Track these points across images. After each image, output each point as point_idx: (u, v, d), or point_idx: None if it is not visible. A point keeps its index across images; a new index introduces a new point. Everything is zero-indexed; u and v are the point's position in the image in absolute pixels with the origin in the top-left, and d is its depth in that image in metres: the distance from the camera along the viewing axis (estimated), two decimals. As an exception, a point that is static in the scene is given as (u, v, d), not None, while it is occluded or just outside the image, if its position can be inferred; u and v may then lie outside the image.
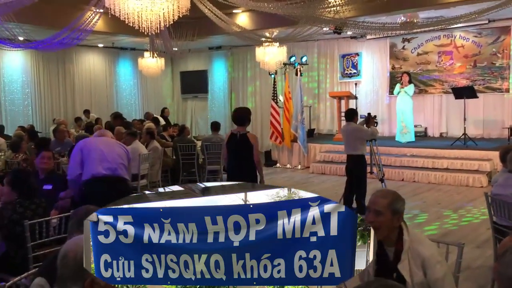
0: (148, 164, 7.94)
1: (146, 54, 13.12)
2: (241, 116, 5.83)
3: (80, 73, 14.96)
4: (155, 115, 12.89)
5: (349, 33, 13.36)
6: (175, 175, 9.38)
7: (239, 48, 15.77)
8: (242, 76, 16.38)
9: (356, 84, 13.65)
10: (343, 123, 11.84)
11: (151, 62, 13.09)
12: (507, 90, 11.55)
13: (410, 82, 11.44)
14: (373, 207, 2.52)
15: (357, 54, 13.96)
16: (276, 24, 10.82)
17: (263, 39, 10.68)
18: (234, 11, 10.99)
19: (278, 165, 12.63)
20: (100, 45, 15.00)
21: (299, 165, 12.24)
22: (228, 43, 15.35)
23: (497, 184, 4.24)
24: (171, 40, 6.88)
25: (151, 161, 8.15)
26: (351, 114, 7.58)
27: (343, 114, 12.17)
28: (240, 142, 5.69)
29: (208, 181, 9.62)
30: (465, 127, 10.52)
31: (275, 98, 12.72)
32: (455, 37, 12.26)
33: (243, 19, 11.56)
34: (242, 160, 5.69)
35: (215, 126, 9.51)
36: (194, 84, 17.20)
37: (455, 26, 11.82)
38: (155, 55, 11.72)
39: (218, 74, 16.81)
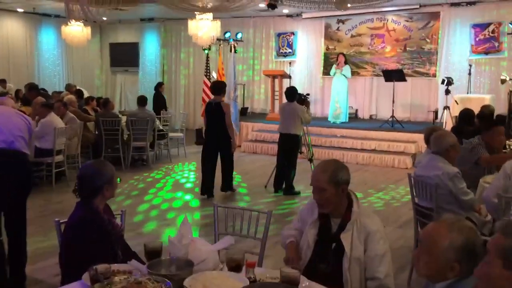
0: (65, 138, 7.36)
1: (71, 21, 12.25)
2: (217, 87, 7.03)
3: (-4, 40, 13.76)
4: (78, 87, 12.12)
5: (285, 11, 13.20)
6: (98, 151, 8.82)
7: (173, 21, 15.15)
8: (175, 50, 15.79)
9: (290, 63, 13.52)
10: (277, 102, 11.85)
11: (75, 31, 12.25)
12: (434, 75, 11.87)
13: (346, 63, 11.47)
14: (315, 184, 2.41)
15: (293, 33, 13.81)
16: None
17: (195, 9, 10.21)
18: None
19: (209, 143, 12.29)
20: (20, 10, 13.82)
21: (231, 144, 11.98)
22: (161, 15, 14.69)
23: (420, 165, 4.20)
24: (89, 5, 6.31)
25: (70, 134, 7.59)
26: (293, 94, 7.39)
27: (276, 93, 12.11)
28: (215, 110, 6.76)
29: (133, 158, 9.16)
30: (393, 110, 10.70)
31: (208, 74, 12.34)
32: (387, 21, 12.41)
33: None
34: (216, 124, 6.79)
35: (142, 101, 9.02)
36: (125, 57, 16.39)
37: (388, 9, 11.98)
38: (72, 22, 10.93)
39: (150, 47, 16.10)
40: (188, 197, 7.20)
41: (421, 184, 4.00)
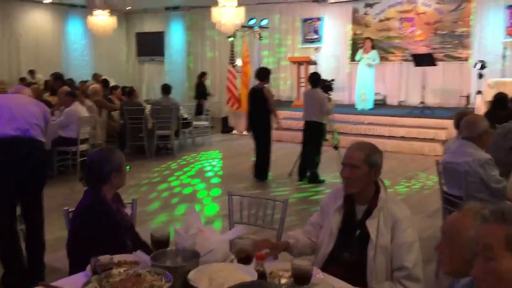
0: (90, 127, 7.38)
1: (96, 12, 12.31)
2: (260, 73, 7.23)
3: (25, 32, 13.96)
4: (105, 77, 12.19)
5: (311, -4, 12.94)
6: (123, 140, 8.85)
7: (197, 9, 15.05)
8: (201, 38, 15.71)
9: (316, 49, 13.25)
10: (302, 89, 11.63)
11: (101, 21, 12.32)
12: (466, 59, 11.42)
13: (373, 48, 11.12)
14: (348, 161, 2.30)
15: (319, 19, 13.54)
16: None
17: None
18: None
19: (234, 131, 12.23)
20: (46, 1, 13.97)
21: (256, 132, 11.85)
22: (186, 3, 14.64)
23: (449, 151, 3.98)
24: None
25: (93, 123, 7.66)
26: (316, 80, 7.18)
27: (302, 80, 11.89)
28: (256, 95, 7.04)
29: (157, 147, 9.15)
30: (423, 96, 10.35)
31: (233, 62, 12.22)
32: (417, 3, 11.98)
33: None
34: (255, 110, 7.07)
35: (166, 89, 8.96)
36: (151, 46, 16.45)
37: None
38: (97, 12, 10.96)
39: (176, 36, 16.09)
40: (209, 185, 7.11)
41: (450, 171, 3.79)
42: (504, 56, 10.46)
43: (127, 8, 14.93)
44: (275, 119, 7.27)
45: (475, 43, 11.30)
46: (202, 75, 12.95)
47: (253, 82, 11.62)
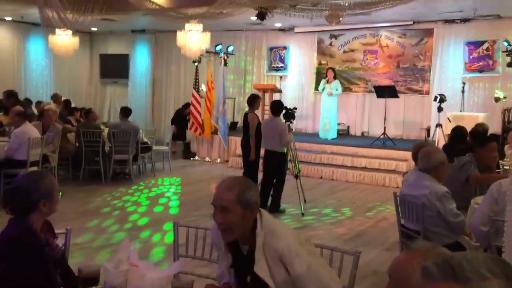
0: (41, 149, 7.02)
1: (58, 31, 12.01)
2: (250, 99, 7.56)
3: (-18, 48, 13.47)
4: (66, 98, 11.82)
5: (278, 24, 13.02)
6: (77, 163, 8.50)
7: (164, 33, 14.92)
8: (166, 62, 15.54)
9: (281, 77, 13.30)
10: (266, 117, 11.58)
11: (63, 41, 12.01)
12: (427, 93, 11.66)
13: (335, 78, 11.21)
14: (218, 203, 2.00)
15: (285, 48, 13.63)
16: (196, 3, 10.12)
17: (182, 16, 9.99)
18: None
19: (196, 157, 12.01)
20: (8, 18, 13.57)
21: (219, 159, 11.70)
22: (153, 26, 14.48)
23: (407, 183, 3.91)
24: (65, 11, 6.00)
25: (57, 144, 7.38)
26: (277, 109, 7.10)
27: (266, 107, 11.84)
28: (244, 121, 7.48)
29: (114, 171, 8.82)
30: (385, 127, 10.45)
31: (197, 87, 12.09)
32: (380, 37, 12.22)
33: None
34: (245, 133, 7.50)
35: (124, 112, 8.71)
36: (115, 68, 16.13)
37: (381, 25, 11.84)
38: (59, 31, 10.70)
39: (141, 59, 15.87)
40: (162, 214, 6.82)
41: (407, 204, 3.70)
42: (463, 91, 10.71)
43: (92, 29, 14.70)
44: (252, 146, 7.32)
45: (435, 77, 11.56)
46: (187, 105, 12.70)
47: (217, 107, 11.60)
